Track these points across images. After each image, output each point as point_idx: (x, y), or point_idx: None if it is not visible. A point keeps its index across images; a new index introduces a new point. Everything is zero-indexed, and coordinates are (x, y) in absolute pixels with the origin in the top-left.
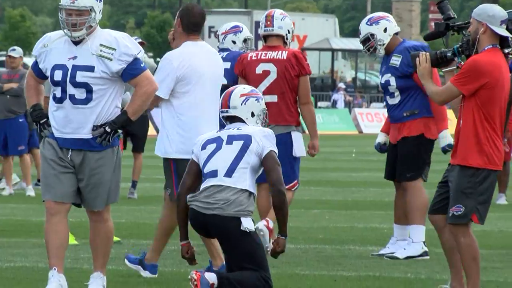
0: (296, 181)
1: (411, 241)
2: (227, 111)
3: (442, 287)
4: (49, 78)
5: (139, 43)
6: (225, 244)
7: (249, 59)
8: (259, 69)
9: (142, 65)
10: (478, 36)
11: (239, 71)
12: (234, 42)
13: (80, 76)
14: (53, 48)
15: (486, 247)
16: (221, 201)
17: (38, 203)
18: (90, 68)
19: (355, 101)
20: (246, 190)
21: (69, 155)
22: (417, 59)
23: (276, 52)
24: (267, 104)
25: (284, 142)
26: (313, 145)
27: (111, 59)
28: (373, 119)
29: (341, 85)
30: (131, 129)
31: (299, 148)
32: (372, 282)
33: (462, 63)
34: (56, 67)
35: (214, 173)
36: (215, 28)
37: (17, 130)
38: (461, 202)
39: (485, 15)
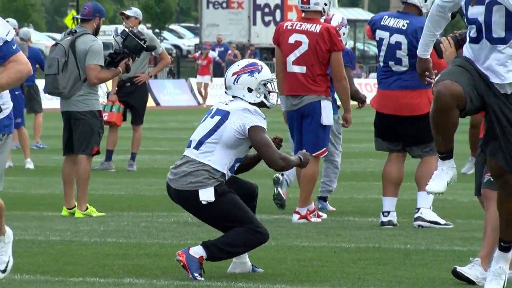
0: (324, 149)
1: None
2: (226, 92)
3: (471, 260)
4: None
5: (120, 13)
6: (197, 216)
7: (284, 28)
8: (291, 39)
9: (14, 47)
10: None
11: (275, 39)
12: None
13: None
14: None
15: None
16: (179, 174)
17: (37, 176)
18: None
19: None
20: (207, 165)
21: None
22: (441, 45)
23: (311, 24)
24: (295, 74)
25: (313, 110)
26: (346, 118)
27: None
28: (372, 90)
29: None
30: (131, 101)
31: (327, 116)
32: (372, 253)
33: None
34: None
35: (189, 144)
36: None
37: (14, 103)
38: None
39: None
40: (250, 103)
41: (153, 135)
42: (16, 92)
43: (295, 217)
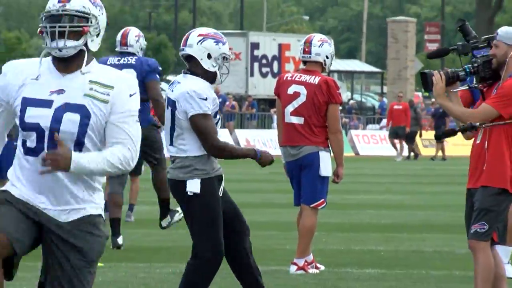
0: (322, 200)
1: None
2: (183, 49)
3: None
4: None
5: None
6: (182, 209)
7: (284, 79)
8: (290, 90)
9: None
10: (507, 60)
11: (276, 91)
12: None
13: None
14: None
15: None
16: (173, 166)
17: None
18: None
19: (351, 122)
20: (188, 157)
21: None
22: (433, 77)
23: (310, 76)
24: (293, 125)
25: (312, 161)
26: (337, 173)
27: None
28: (369, 141)
29: None
30: None
31: (325, 167)
32: None
33: (476, 84)
34: None
35: (166, 140)
36: None
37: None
38: (485, 220)
39: None
40: (203, 71)
41: (151, 186)
42: (15, 143)
43: (293, 268)
